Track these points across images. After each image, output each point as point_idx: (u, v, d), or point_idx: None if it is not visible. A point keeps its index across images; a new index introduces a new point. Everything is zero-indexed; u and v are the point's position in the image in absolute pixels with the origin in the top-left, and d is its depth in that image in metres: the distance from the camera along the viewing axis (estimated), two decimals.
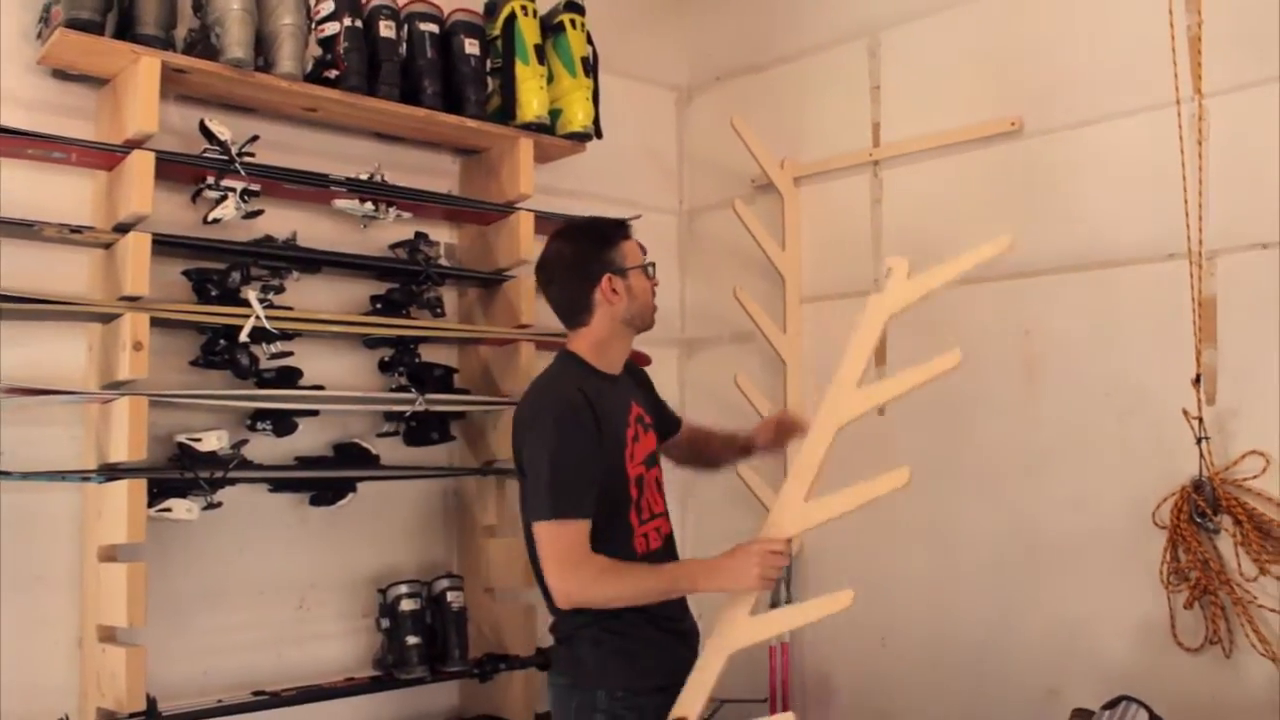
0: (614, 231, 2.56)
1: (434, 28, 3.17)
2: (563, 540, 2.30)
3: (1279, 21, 2.71)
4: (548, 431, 2.36)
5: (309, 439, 3.05)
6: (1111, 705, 2.62)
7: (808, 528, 2.39)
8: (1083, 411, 3.03)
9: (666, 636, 2.44)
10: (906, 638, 3.38)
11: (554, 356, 2.63)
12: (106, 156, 2.71)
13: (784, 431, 2.86)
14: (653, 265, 2.59)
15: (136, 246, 2.59)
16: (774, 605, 3.49)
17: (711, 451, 2.98)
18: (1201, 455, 2.72)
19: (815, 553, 3.63)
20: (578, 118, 3.36)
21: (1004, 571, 3.15)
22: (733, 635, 2.34)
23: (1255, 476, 2.69)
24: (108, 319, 2.67)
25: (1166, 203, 2.78)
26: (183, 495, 2.69)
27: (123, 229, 2.66)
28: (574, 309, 2.53)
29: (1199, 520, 2.74)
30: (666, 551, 2.55)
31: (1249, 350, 2.74)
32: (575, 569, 2.29)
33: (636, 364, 2.79)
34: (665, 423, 2.81)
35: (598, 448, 2.37)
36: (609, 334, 2.53)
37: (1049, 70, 3.16)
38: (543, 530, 2.32)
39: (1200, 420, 2.71)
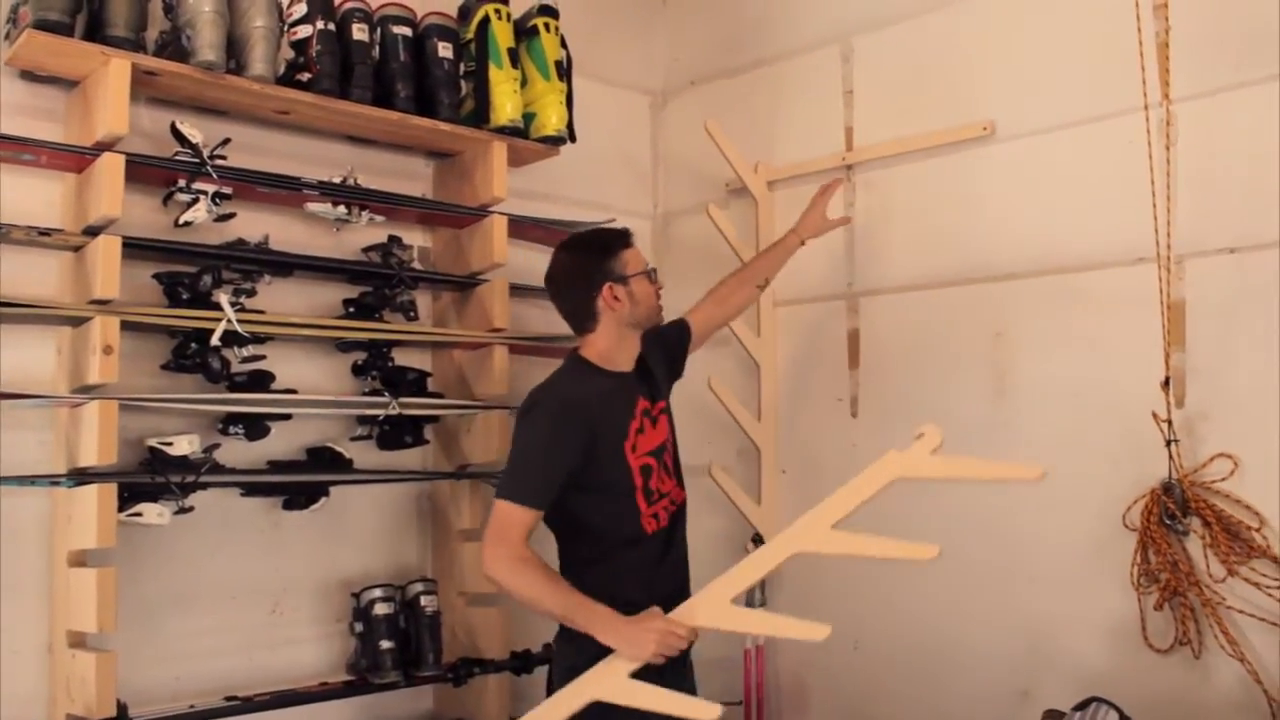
0: (614, 241, 2.68)
1: (407, 31, 3.17)
2: (503, 519, 2.44)
3: (1246, 29, 2.74)
4: (532, 423, 2.53)
5: (281, 443, 3.04)
6: (1082, 706, 2.64)
7: (716, 628, 2.43)
8: (1053, 414, 3.05)
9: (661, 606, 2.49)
10: (879, 641, 3.39)
11: (565, 357, 2.75)
12: (76, 159, 2.69)
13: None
14: (654, 270, 2.70)
15: (107, 249, 2.57)
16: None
17: (760, 278, 3.24)
18: (1171, 458, 2.74)
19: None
20: (551, 121, 3.36)
21: (975, 574, 3.16)
22: (602, 686, 2.37)
23: (1224, 479, 2.72)
24: (77, 322, 2.65)
25: (1135, 207, 2.79)
26: (154, 499, 2.68)
27: (93, 232, 2.64)
28: (580, 317, 2.67)
29: (1169, 522, 2.76)
30: (674, 525, 2.68)
31: (1217, 354, 2.76)
32: (499, 546, 2.42)
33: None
34: (678, 341, 2.96)
35: (577, 449, 2.50)
36: (616, 338, 2.66)
37: (1020, 75, 3.18)
38: (495, 505, 2.47)
39: (1169, 423, 2.73)
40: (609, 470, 2.55)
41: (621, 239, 2.68)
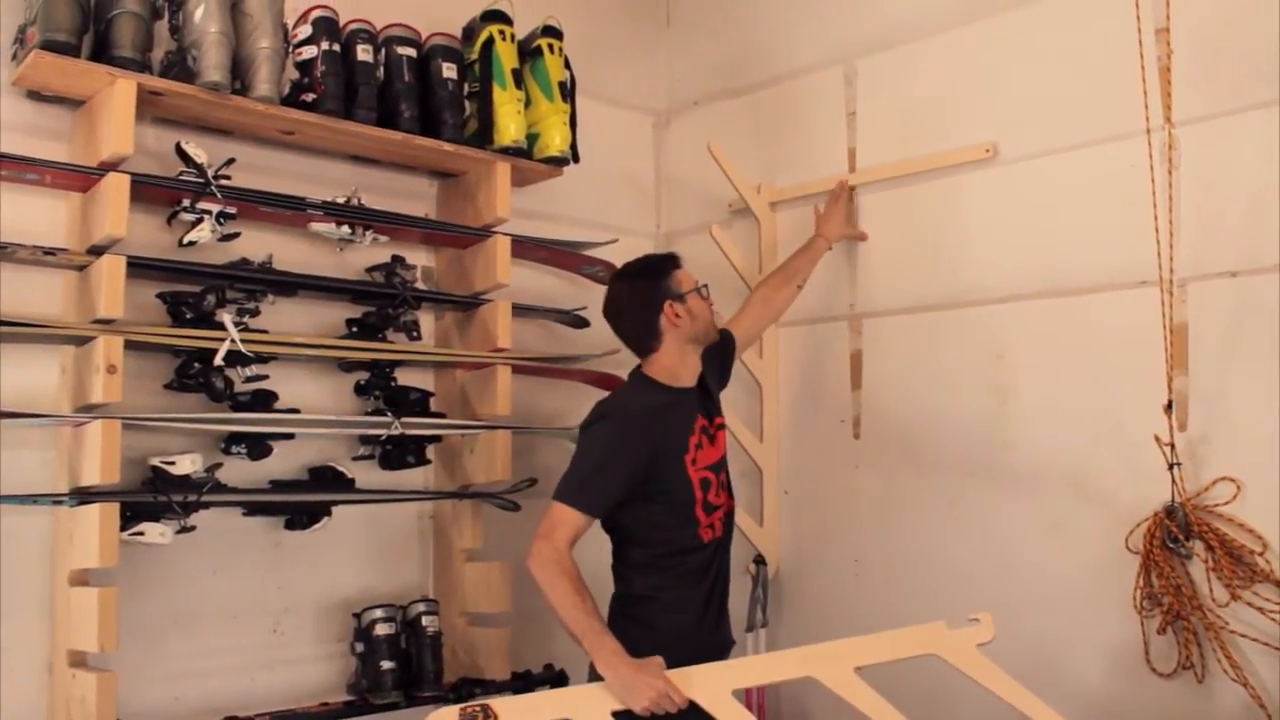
0: (665, 263, 2.83)
1: (412, 52, 3.18)
2: (553, 519, 2.53)
3: (1247, 54, 2.75)
4: (596, 433, 2.66)
5: (284, 462, 3.04)
6: None
7: (708, 710, 2.37)
8: (1055, 436, 3.05)
9: (701, 644, 2.62)
10: (879, 666, 3.37)
11: (628, 375, 2.89)
12: (81, 178, 2.70)
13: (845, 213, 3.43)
14: (706, 286, 2.83)
15: (111, 269, 2.58)
16: (750, 629, 3.50)
17: (800, 278, 3.37)
18: (1174, 481, 2.73)
19: (790, 576, 3.63)
20: (555, 142, 3.37)
21: (977, 596, 3.14)
22: (584, 710, 2.36)
23: (1226, 502, 2.71)
24: (81, 341, 2.66)
25: (1138, 230, 2.79)
26: (156, 519, 2.68)
27: (97, 251, 2.65)
28: (644, 339, 2.80)
29: (1171, 546, 2.75)
30: (726, 534, 2.83)
31: (1219, 377, 2.76)
32: (543, 543, 2.50)
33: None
34: (726, 350, 3.08)
35: (637, 461, 2.61)
36: (678, 354, 2.78)
37: (1023, 98, 3.18)
38: (550, 505, 2.56)
39: (1172, 446, 2.72)
40: (669, 482, 2.67)
41: (672, 260, 2.84)
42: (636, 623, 2.64)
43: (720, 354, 3.04)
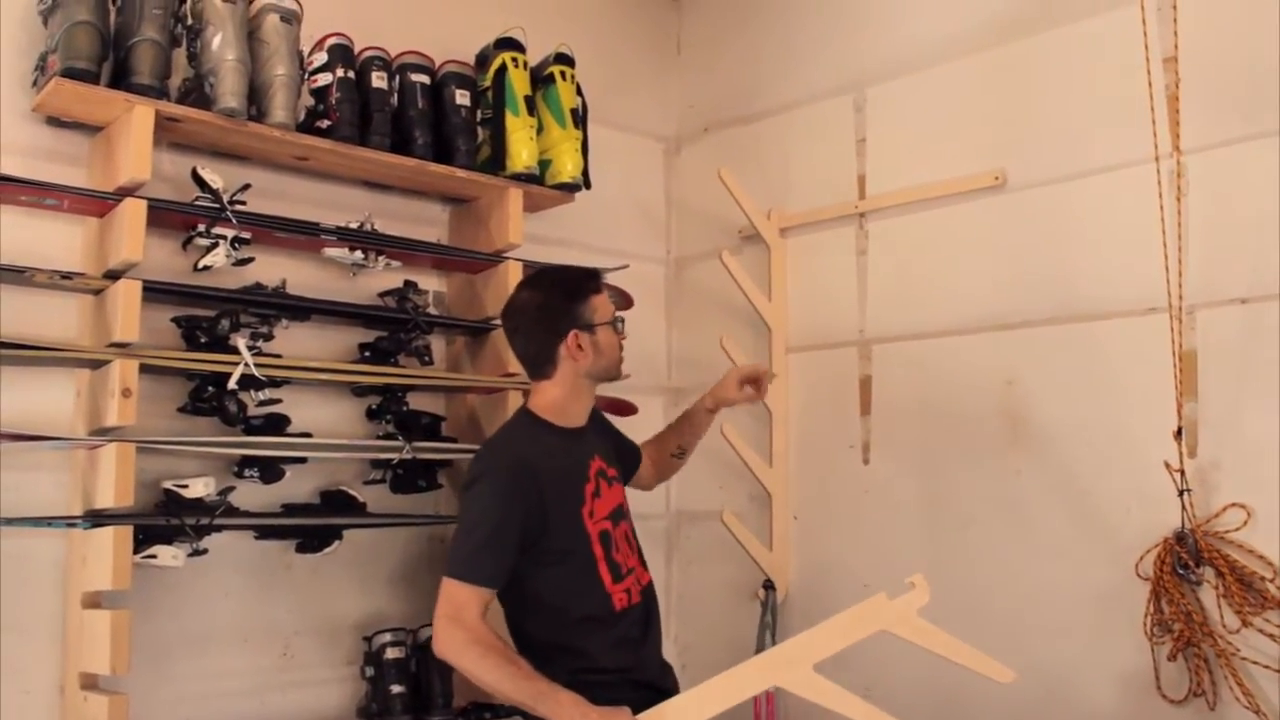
0: (585, 284, 2.57)
1: (425, 79, 3.21)
2: (455, 600, 2.33)
3: (1255, 82, 2.76)
4: (480, 494, 2.43)
5: (296, 486, 3.05)
6: None
7: None
8: (1065, 462, 3.05)
9: (641, 693, 2.39)
10: (890, 687, 3.36)
11: (514, 412, 2.65)
12: (98, 203, 2.72)
13: (753, 384, 2.95)
14: (621, 320, 2.62)
15: (127, 293, 2.59)
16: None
17: (674, 446, 3.05)
18: (1184, 507, 2.74)
19: (800, 599, 3.62)
20: (567, 168, 3.39)
21: (986, 621, 3.14)
22: None
23: (1237, 529, 2.71)
24: (97, 365, 2.67)
25: (1146, 257, 2.81)
26: (168, 542, 2.68)
27: (113, 276, 2.67)
28: (538, 361, 2.56)
29: (1181, 572, 2.75)
30: (647, 603, 2.57)
31: (1229, 404, 2.77)
32: (453, 627, 2.31)
33: (600, 410, 2.77)
34: (629, 460, 2.88)
35: (528, 519, 2.38)
36: (572, 388, 2.56)
37: (1032, 126, 3.20)
38: (445, 584, 2.36)
39: (1182, 473, 2.72)
40: (565, 539, 2.43)
41: (592, 282, 2.58)
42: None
43: (628, 457, 2.85)
